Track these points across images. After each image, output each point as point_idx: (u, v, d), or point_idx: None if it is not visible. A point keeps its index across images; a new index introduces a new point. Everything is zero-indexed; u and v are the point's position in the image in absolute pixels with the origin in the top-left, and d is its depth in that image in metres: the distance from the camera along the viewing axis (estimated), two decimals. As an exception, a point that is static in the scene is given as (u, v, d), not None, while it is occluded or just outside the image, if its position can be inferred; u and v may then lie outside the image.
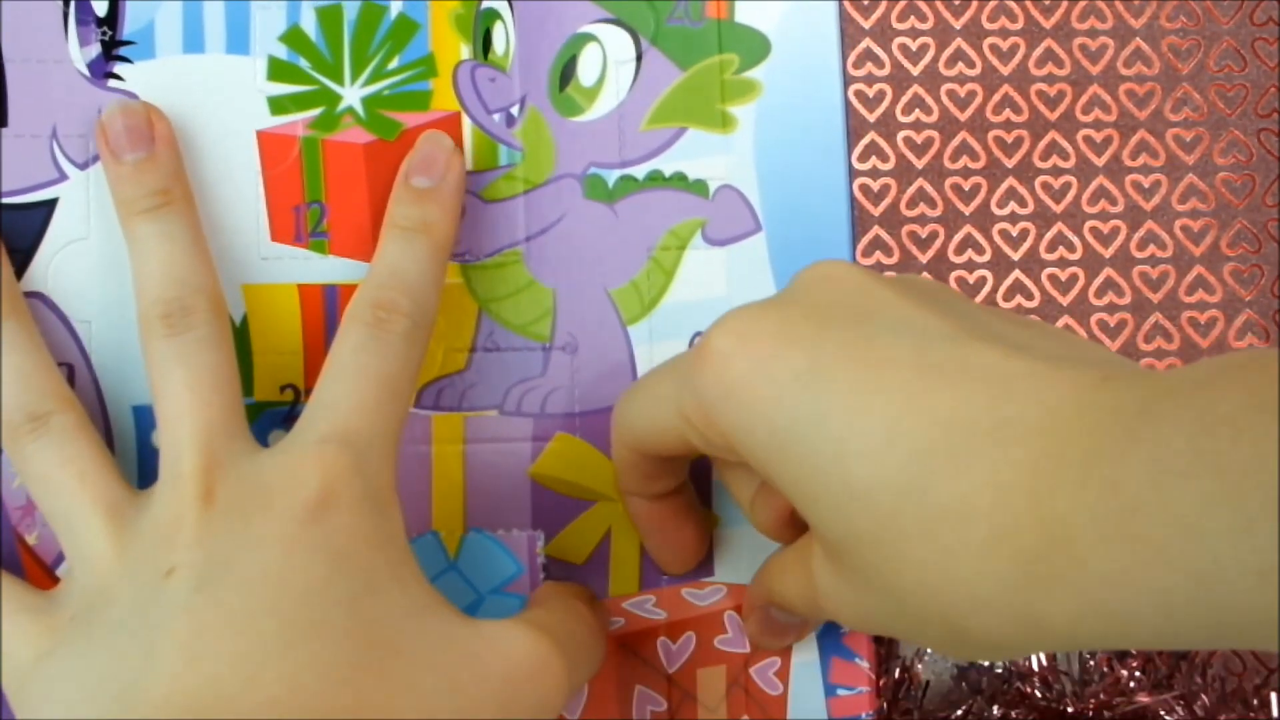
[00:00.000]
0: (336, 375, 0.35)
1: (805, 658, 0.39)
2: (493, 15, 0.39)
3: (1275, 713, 0.52)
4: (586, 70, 0.39)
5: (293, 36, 0.38)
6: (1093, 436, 0.27)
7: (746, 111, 0.40)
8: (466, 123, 0.39)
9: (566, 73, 0.39)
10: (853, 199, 0.40)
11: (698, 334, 0.39)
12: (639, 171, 0.39)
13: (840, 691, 0.40)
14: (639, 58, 0.39)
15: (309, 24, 0.38)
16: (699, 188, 0.40)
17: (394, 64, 0.38)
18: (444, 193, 0.38)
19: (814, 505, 0.31)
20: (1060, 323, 0.49)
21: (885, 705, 0.47)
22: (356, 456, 0.33)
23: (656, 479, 0.38)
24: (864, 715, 0.40)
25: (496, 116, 0.39)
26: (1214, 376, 0.26)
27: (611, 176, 0.39)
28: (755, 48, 0.40)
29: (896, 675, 0.48)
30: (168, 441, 0.34)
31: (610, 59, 0.39)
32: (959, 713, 0.48)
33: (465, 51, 0.39)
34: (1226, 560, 0.24)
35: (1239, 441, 0.24)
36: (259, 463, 0.34)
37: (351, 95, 0.38)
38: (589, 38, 0.39)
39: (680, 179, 0.39)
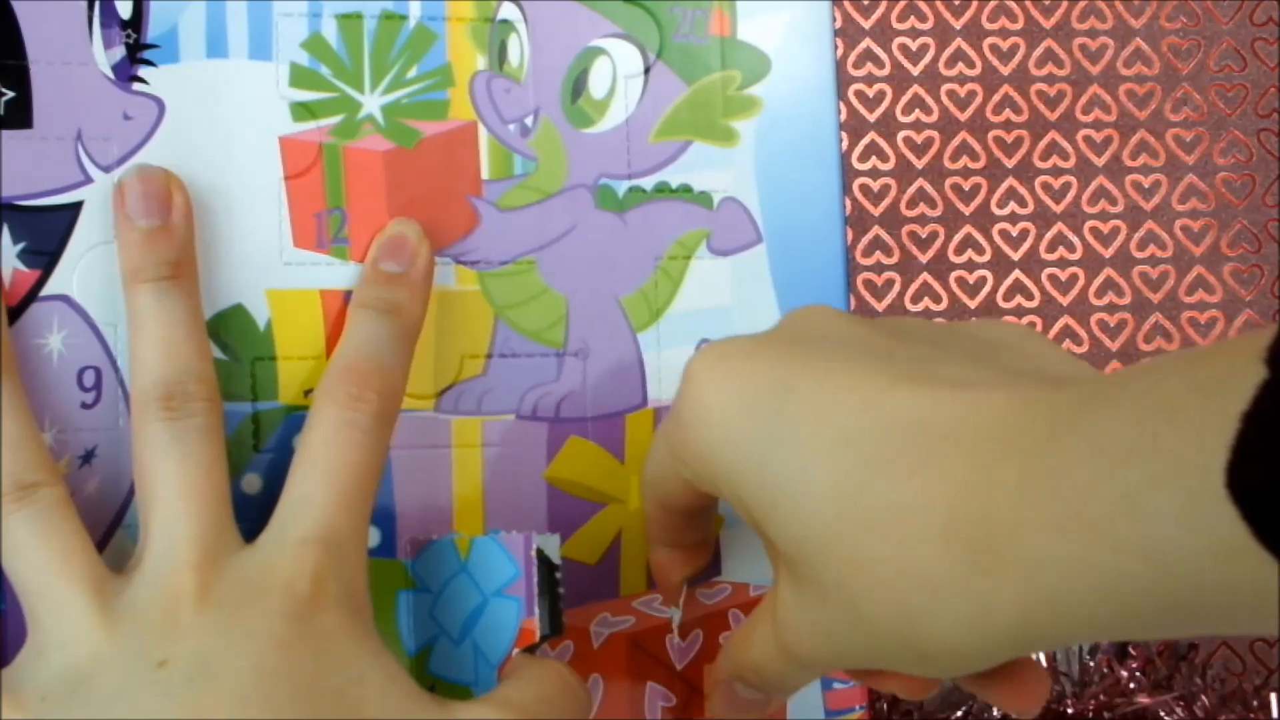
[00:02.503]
0: (310, 467, 0.39)
1: (804, 654, 0.46)
2: (508, 27, 0.44)
3: (1275, 714, 0.58)
4: (597, 83, 0.45)
5: (314, 44, 0.43)
6: (1039, 429, 0.30)
7: (748, 126, 0.46)
8: (482, 132, 0.44)
9: (578, 85, 0.45)
10: (845, 216, 0.47)
11: (704, 341, 0.45)
12: (647, 183, 0.45)
13: (836, 685, 0.45)
14: (647, 71, 0.45)
15: (330, 31, 0.43)
16: (704, 199, 0.45)
17: (412, 73, 0.44)
18: (414, 278, 0.42)
19: (773, 513, 0.35)
20: (1060, 323, 0.55)
21: (885, 706, 0.53)
22: (336, 556, 0.38)
23: (683, 532, 0.42)
24: (857, 707, 0.46)
25: (511, 127, 0.44)
26: (1157, 365, 0.29)
27: (621, 187, 0.45)
28: (756, 65, 0.46)
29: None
30: (160, 529, 0.38)
31: (619, 73, 0.45)
32: (959, 714, 0.54)
33: (481, 62, 0.44)
34: (1174, 541, 0.27)
35: (1177, 421, 0.27)
36: (247, 560, 0.38)
37: (371, 103, 0.43)
38: (599, 51, 0.45)
39: (686, 190, 0.45)
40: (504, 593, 0.42)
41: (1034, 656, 0.38)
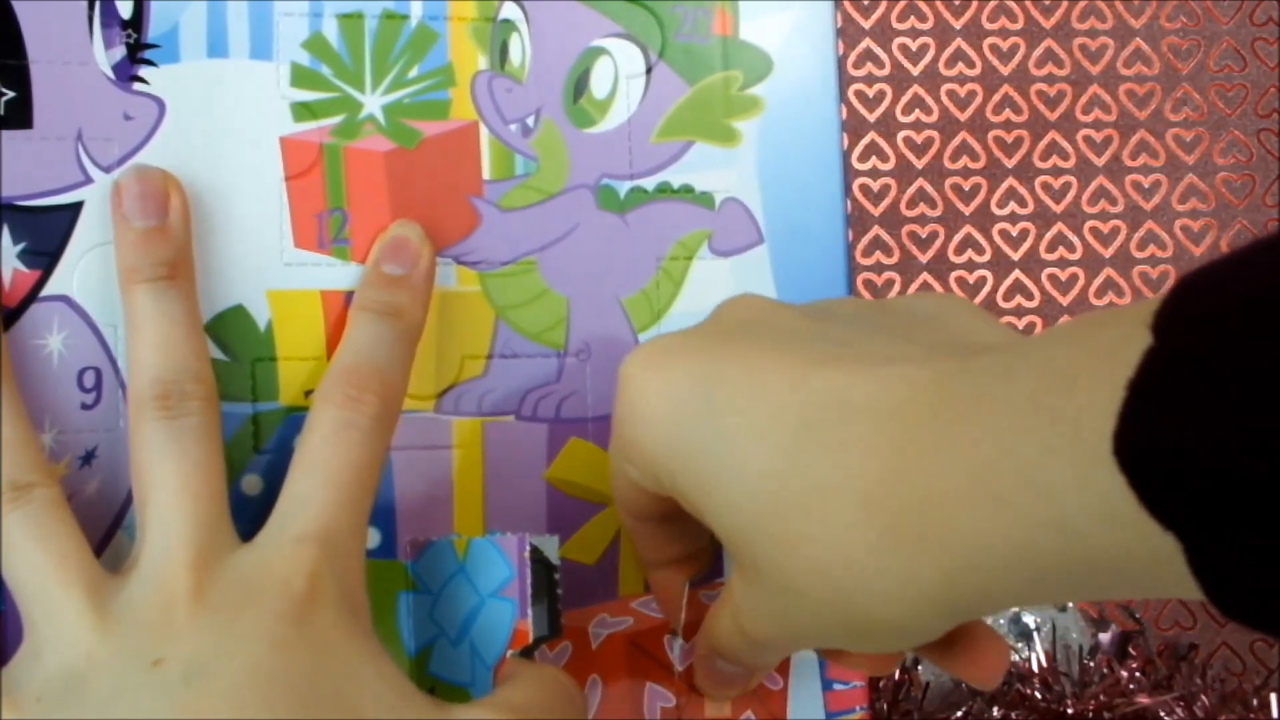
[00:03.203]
0: (309, 466, 0.40)
1: (805, 653, 0.46)
2: (509, 27, 0.45)
3: (1275, 714, 0.58)
4: (599, 83, 0.45)
5: (315, 43, 0.43)
6: (951, 401, 0.31)
7: (750, 127, 0.46)
8: (484, 132, 0.44)
9: (580, 85, 0.45)
10: (847, 217, 0.47)
11: None
12: (649, 183, 0.46)
13: (836, 686, 0.46)
14: (649, 71, 0.46)
15: (331, 31, 0.43)
16: (705, 200, 0.46)
17: (414, 73, 0.44)
18: (415, 281, 0.43)
19: (709, 500, 0.36)
20: (1060, 323, 0.56)
21: (886, 706, 0.54)
22: (333, 555, 0.38)
23: (667, 544, 0.43)
24: (857, 708, 0.46)
25: (513, 127, 0.45)
26: (1056, 333, 0.31)
27: (623, 187, 0.45)
28: (758, 65, 0.46)
29: (897, 677, 0.55)
30: (156, 529, 0.38)
31: (621, 73, 0.45)
32: (959, 714, 0.54)
33: (483, 62, 0.44)
34: (1073, 509, 0.28)
35: (1073, 390, 0.28)
36: (243, 559, 0.38)
37: (372, 103, 0.44)
38: (601, 51, 0.45)
39: (688, 191, 0.46)
40: (499, 594, 0.42)
41: (994, 627, 0.40)
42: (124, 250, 0.41)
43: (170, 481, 0.39)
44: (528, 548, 0.42)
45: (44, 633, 0.37)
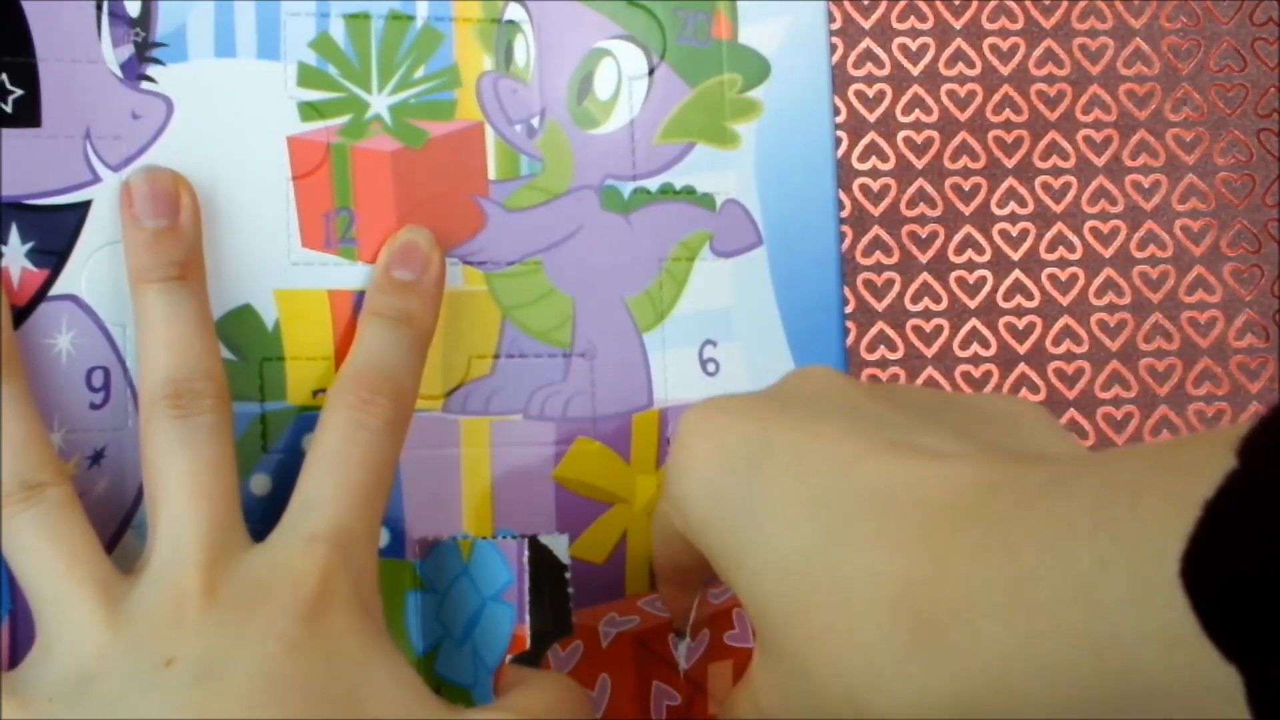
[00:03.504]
0: (323, 467, 0.40)
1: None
2: (514, 28, 0.45)
3: None
4: (602, 84, 0.46)
5: (322, 43, 0.44)
6: (1000, 507, 0.30)
7: (749, 129, 0.47)
8: (489, 132, 0.45)
9: (584, 86, 0.46)
10: (839, 219, 0.48)
11: (707, 341, 0.46)
12: (652, 184, 0.46)
13: None
14: (651, 73, 0.46)
15: (337, 31, 0.44)
16: (706, 201, 0.47)
17: (420, 73, 0.44)
18: (426, 286, 0.43)
19: (738, 573, 0.35)
20: (1060, 323, 0.56)
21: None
22: (345, 555, 0.38)
23: (696, 577, 0.43)
24: None
25: (518, 127, 0.45)
26: (1127, 451, 0.29)
27: (626, 188, 0.46)
28: (757, 69, 0.47)
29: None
30: (167, 528, 0.38)
31: (624, 74, 0.46)
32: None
33: (488, 63, 0.45)
34: (1125, 629, 0.26)
35: (1137, 504, 0.26)
36: (255, 558, 0.38)
37: (379, 103, 0.44)
38: (605, 53, 0.46)
39: (690, 192, 0.46)
40: (499, 598, 0.43)
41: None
42: (135, 251, 0.41)
43: (182, 480, 0.39)
44: (526, 552, 0.42)
45: (55, 632, 0.38)
